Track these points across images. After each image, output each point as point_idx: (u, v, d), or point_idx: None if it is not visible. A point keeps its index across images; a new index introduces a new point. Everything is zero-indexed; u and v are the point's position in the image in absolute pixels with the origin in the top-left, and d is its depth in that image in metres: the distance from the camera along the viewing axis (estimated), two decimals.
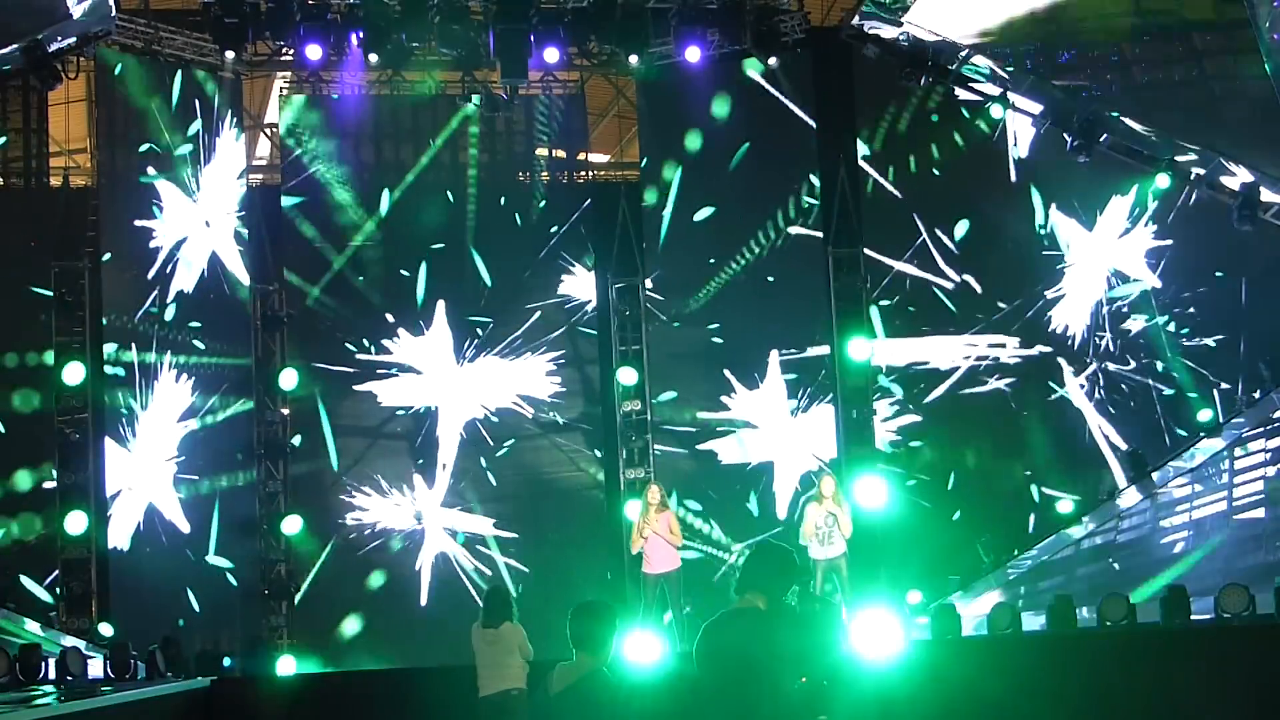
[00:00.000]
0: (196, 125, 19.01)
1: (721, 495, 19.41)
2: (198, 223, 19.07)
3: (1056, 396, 19.59)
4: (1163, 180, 19.46)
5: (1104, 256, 19.64)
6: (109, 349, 18.25)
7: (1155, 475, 19.05)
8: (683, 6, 18.97)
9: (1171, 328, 19.40)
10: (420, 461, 19.43)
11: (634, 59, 19.19)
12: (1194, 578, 16.26)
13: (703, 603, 15.46)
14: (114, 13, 18.32)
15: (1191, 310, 19.37)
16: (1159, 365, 19.41)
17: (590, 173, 21.11)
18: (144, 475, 18.31)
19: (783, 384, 19.54)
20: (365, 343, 19.50)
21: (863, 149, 19.79)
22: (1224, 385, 19.14)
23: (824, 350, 19.52)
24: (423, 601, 19.22)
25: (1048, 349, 19.65)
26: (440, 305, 19.61)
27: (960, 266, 19.79)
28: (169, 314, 18.67)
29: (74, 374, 18.03)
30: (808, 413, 19.56)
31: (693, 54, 19.11)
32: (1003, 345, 19.69)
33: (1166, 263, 19.45)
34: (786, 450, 19.50)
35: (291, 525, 18.89)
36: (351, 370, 19.48)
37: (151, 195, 18.81)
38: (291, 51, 19.01)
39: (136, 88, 18.68)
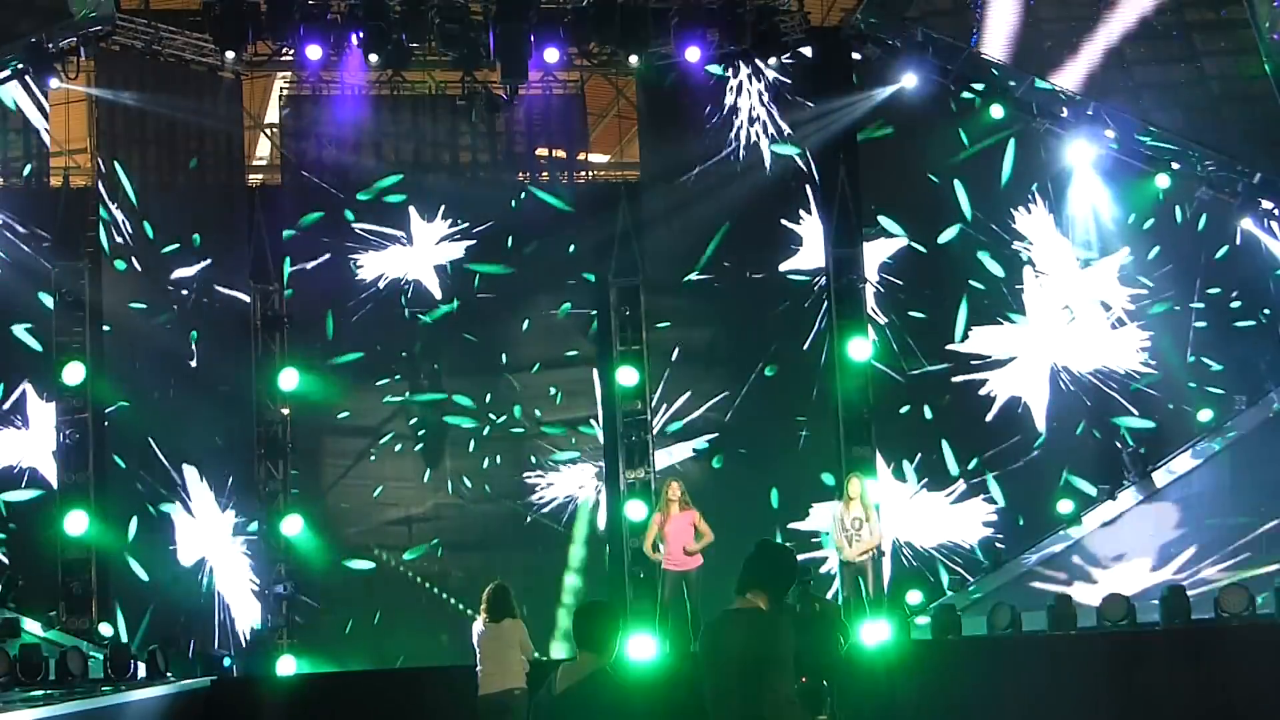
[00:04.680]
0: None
1: None
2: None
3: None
4: (1162, 180, 19.48)
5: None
6: None
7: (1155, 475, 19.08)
8: (683, 6, 18.94)
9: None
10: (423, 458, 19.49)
11: (634, 59, 19.17)
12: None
13: None
14: (114, 12, 18.30)
15: (1190, 311, 19.43)
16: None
17: (590, 173, 21.10)
18: None
19: None
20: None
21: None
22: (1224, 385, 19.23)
23: None
24: (424, 601, 19.21)
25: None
26: None
27: None
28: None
29: (74, 374, 18.02)
30: None
31: (693, 54, 19.09)
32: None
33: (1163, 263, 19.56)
34: None
35: (291, 525, 18.88)
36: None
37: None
38: (291, 51, 18.97)
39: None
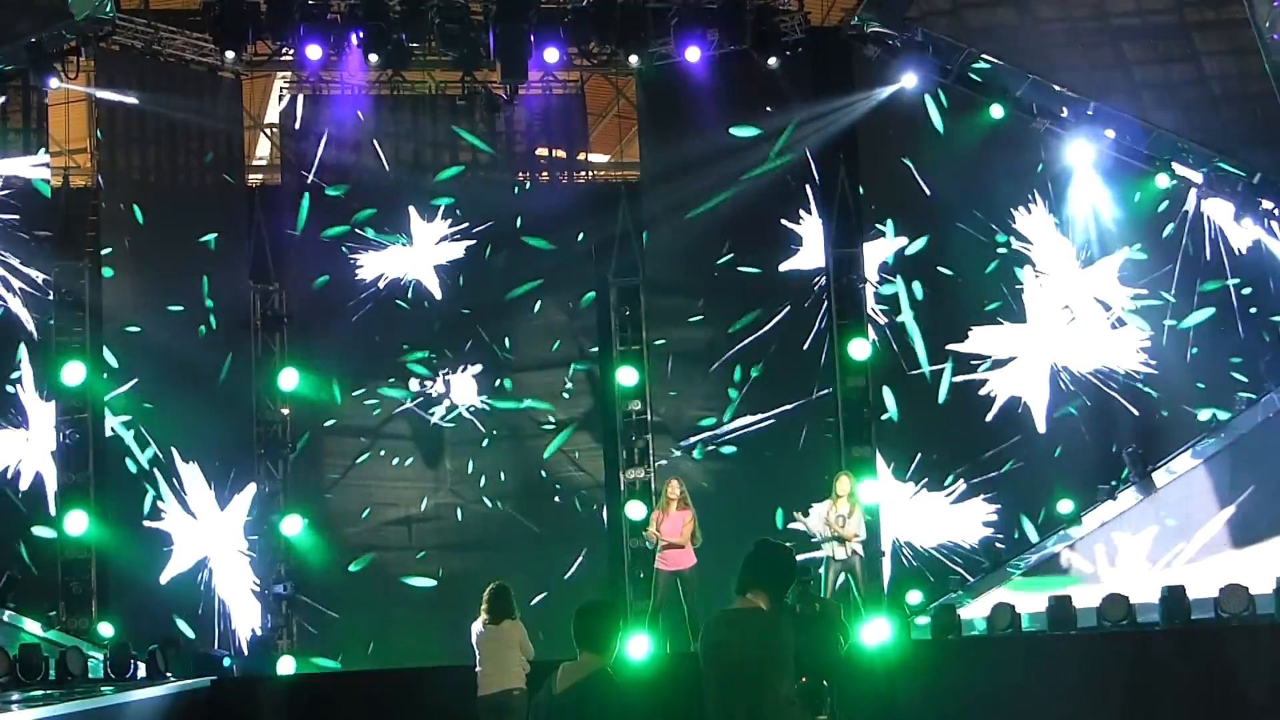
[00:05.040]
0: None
1: None
2: None
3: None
4: (1162, 180, 19.47)
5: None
6: None
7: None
8: (683, 6, 18.95)
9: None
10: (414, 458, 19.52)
11: (634, 59, 19.16)
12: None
13: None
14: (114, 12, 18.29)
15: (1189, 310, 19.46)
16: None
17: (590, 173, 21.11)
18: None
19: None
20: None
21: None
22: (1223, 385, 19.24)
23: None
24: (424, 601, 19.22)
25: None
26: None
27: None
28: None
29: (74, 374, 18.02)
30: None
31: (693, 54, 19.09)
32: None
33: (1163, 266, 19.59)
34: None
35: (291, 525, 18.90)
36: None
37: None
38: (291, 51, 18.98)
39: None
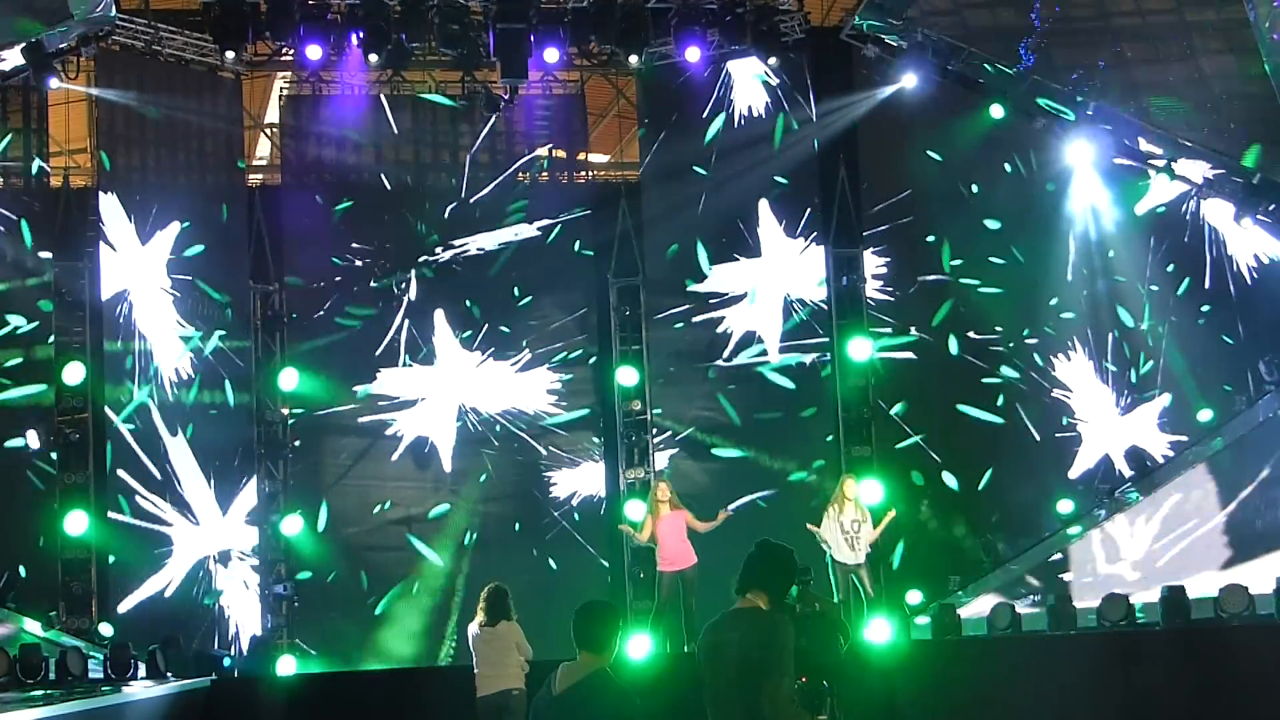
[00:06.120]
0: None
1: None
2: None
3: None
4: (1160, 179, 19.48)
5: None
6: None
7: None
8: (683, 6, 18.96)
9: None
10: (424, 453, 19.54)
11: (634, 59, 19.17)
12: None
13: None
14: (114, 12, 18.30)
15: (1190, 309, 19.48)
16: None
17: (590, 173, 21.12)
18: None
19: None
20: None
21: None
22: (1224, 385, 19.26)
23: None
24: (424, 601, 19.22)
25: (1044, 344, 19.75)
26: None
27: None
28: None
29: (74, 374, 18.03)
30: None
31: (693, 54, 19.10)
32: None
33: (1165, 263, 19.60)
34: None
35: (291, 525, 18.90)
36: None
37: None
38: (291, 51, 18.99)
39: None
